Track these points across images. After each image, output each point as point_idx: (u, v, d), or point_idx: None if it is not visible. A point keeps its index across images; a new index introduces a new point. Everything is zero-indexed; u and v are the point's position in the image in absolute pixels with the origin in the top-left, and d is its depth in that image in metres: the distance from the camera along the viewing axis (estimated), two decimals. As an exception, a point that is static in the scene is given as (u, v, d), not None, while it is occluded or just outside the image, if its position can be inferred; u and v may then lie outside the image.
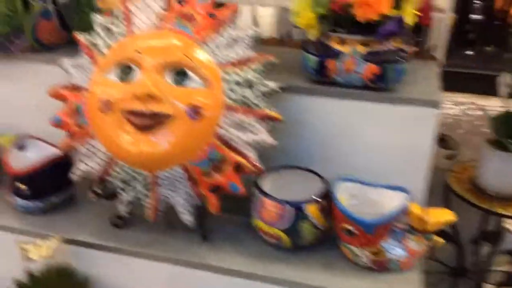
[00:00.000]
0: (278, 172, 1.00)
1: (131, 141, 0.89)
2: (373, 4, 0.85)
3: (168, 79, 0.88)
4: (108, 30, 0.97)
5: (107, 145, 0.93)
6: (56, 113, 0.99)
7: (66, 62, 1.00)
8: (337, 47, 0.93)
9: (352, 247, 0.92)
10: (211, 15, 0.95)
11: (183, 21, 0.94)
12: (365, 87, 0.95)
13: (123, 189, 0.97)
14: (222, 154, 0.91)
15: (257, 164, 0.93)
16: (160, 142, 0.88)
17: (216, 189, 0.93)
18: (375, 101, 0.96)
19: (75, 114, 0.97)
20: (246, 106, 0.91)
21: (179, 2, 0.97)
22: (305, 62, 0.96)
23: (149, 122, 0.87)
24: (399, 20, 0.85)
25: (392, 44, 0.93)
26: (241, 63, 0.92)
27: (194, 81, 0.89)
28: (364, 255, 0.92)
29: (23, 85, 1.17)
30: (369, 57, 0.91)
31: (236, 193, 0.93)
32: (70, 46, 1.16)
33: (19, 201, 1.05)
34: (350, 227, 0.90)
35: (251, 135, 0.92)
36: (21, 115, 1.20)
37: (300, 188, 0.98)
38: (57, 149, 1.09)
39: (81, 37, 0.99)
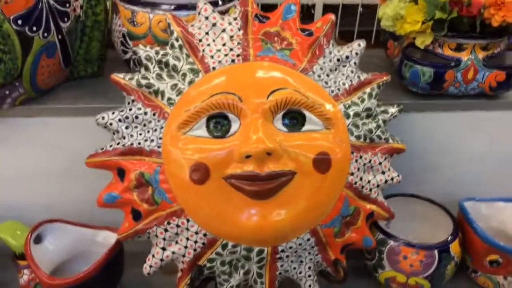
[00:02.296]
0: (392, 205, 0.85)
1: (246, 214, 0.66)
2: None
3: (279, 125, 0.67)
4: (167, 66, 0.70)
5: (209, 224, 0.69)
6: (106, 188, 0.71)
7: (109, 116, 0.71)
8: (454, 54, 0.79)
9: (495, 277, 0.83)
10: (305, 32, 0.74)
11: (272, 44, 0.72)
12: (479, 95, 0.83)
13: (227, 273, 0.74)
14: (355, 206, 0.73)
15: (391, 209, 0.77)
16: (286, 208, 0.67)
17: (346, 248, 0.76)
18: (489, 109, 0.85)
19: (143, 187, 0.70)
20: (371, 142, 0.74)
21: (257, 18, 0.74)
22: (415, 74, 0.80)
23: (267, 186, 0.65)
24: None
25: (503, 45, 0.82)
26: (355, 88, 0.74)
27: (313, 123, 0.68)
28: (507, 283, 0.83)
29: (18, 149, 0.83)
30: (492, 63, 0.79)
31: (368, 247, 0.77)
32: (69, 86, 0.86)
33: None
34: (497, 258, 0.80)
35: (381, 176, 0.75)
36: (22, 190, 0.86)
37: (424, 222, 0.84)
38: (90, 230, 0.81)
39: (128, 81, 0.71)
